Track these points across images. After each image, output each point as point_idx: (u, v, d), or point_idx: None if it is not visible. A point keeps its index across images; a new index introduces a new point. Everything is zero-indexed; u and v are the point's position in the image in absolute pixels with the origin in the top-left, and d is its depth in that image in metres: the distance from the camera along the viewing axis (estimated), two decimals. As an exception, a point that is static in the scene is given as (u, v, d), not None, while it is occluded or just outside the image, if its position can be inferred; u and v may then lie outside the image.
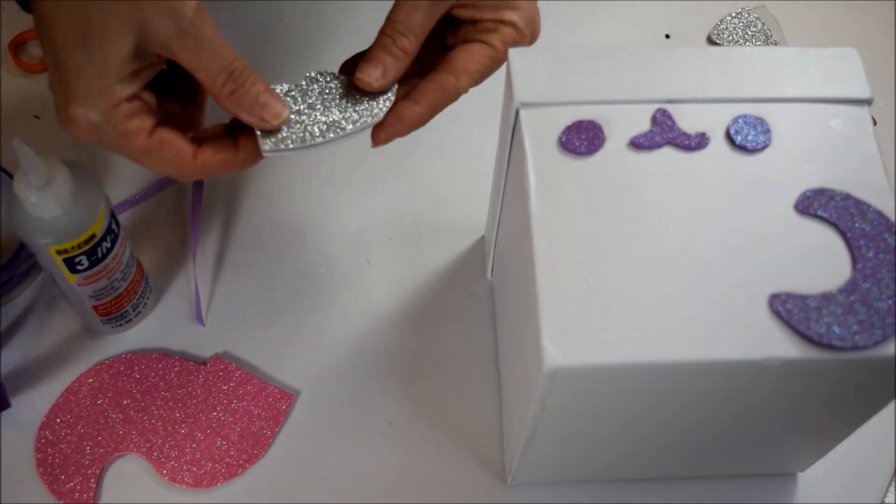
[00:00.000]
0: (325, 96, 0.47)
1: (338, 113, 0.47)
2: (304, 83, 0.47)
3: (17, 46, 0.67)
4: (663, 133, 0.42)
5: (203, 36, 0.42)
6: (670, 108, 0.43)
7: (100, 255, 0.50)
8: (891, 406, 0.43)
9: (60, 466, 0.53)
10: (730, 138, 0.42)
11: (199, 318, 0.58)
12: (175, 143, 0.45)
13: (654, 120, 0.43)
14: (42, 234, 0.47)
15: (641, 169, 0.42)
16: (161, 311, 0.59)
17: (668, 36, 0.71)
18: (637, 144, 0.42)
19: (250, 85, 0.44)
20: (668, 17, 0.72)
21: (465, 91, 0.48)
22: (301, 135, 0.46)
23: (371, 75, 0.47)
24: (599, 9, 0.72)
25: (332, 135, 0.46)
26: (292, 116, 0.46)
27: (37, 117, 0.65)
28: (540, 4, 0.50)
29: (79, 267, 0.49)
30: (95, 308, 0.54)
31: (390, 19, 0.48)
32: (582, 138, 0.42)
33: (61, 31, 0.42)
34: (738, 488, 0.54)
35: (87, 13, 0.41)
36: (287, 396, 0.55)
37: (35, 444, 0.54)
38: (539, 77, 0.44)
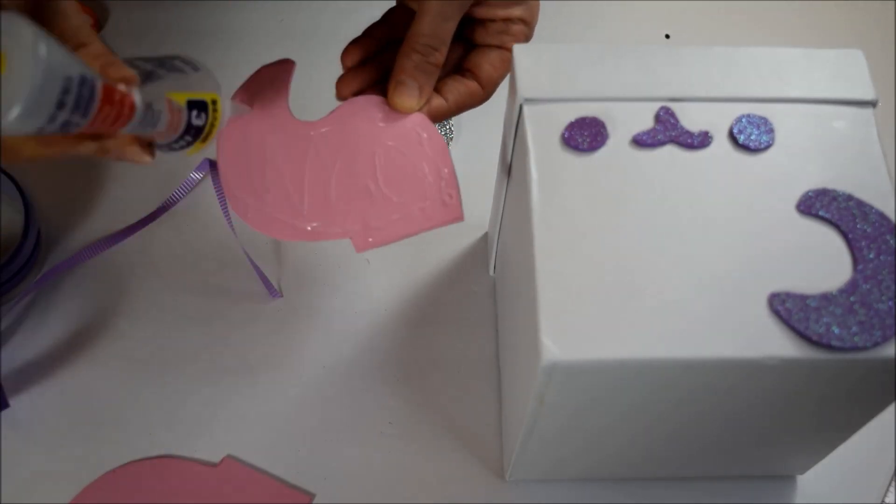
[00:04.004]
0: None
1: None
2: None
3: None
4: (666, 131, 0.42)
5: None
6: (674, 106, 0.43)
7: None
8: (891, 406, 0.43)
9: None
10: (733, 137, 0.42)
11: (273, 293, 0.59)
12: None
13: (657, 118, 0.43)
14: None
15: (644, 166, 0.42)
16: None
17: (668, 36, 0.71)
18: (640, 142, 0.42)
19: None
20: (669, 17, 0.72)
21: (488, 98, 0.50)
22: None
23: (410, 102, 0.47)
24: (599, 8, 0.72)
25: None
26: None
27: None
28: (540, 4, 0.50)
29: None
30: None
31: (417, 32, 0.46)
32: (585, 135, 0.42)
33: None
34: (737, 488, 0.54)
35: None
36: (303, 497, 0.53)
37: None
38: (543, 73, 0.44)
